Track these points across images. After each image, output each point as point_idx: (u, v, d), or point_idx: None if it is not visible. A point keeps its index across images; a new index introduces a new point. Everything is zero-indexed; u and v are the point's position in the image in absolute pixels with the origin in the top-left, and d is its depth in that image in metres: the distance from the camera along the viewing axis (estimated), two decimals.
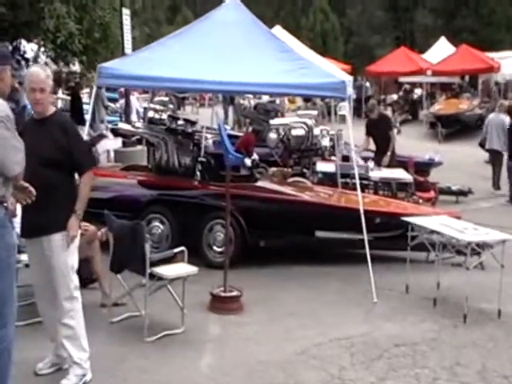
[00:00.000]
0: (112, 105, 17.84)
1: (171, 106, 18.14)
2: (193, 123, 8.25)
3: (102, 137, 10.80)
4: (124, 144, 10.18)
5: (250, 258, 7.40)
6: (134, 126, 8.70)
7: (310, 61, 7.05)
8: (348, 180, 10.02)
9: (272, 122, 10.93)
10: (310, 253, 7.78)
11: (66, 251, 4.14)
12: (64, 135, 4.15)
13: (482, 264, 7.08)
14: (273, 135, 10.30)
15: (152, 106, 14.94)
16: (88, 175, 4.23)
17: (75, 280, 4.24)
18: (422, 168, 11.88)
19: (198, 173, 7.88)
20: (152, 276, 5.18)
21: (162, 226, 7.38)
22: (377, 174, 9.74)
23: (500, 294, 6.12)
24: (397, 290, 6.82)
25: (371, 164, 10.08)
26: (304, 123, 10.26)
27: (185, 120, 8.10)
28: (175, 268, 5.36)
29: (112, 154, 10.30)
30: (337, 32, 42.27)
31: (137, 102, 16.33)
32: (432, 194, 10.49)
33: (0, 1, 8.71)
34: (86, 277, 6.14)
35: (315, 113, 11.33)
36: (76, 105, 14.75)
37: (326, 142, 10.29)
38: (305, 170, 10.14)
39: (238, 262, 7.26)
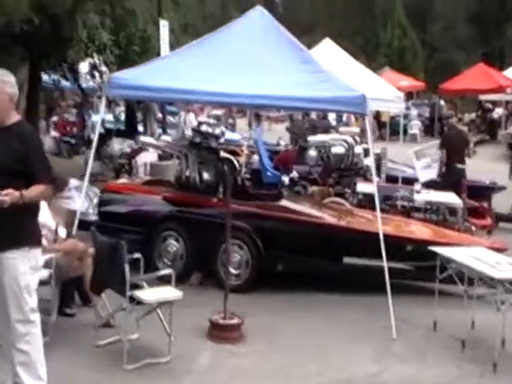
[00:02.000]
0: (171, 118, 17.93)
1: (230, 120, 18.03)
2: (217, 137, 7.94)
3: (141, 149, 10.72)
4: (160, 157, 10.05)
5: (266, 283, 6.99)
6: (157, 140, 8.52)
7: (332, 74, 6.60)
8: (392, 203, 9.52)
9: (310, 138, 10.48)
10: (336, 280, 7.27)
11: (19, 271, 3.88)
12: (23, 146, 3.90)
13: None
14: (312, 152, 9.85)
15: (206, 120, 14.91)
16: (44, 187, 3.94)
17: (31, 302, 3.97)
18: (482, 192, 11.08)
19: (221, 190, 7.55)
20: (133, 299, 4.86)
21: (176, 244, 7.09)
22: (423, 197, 9.09)
23: None
24: (423, 327, 6.22)
25: (418, 186, 9.45)
26: (344, 141, 9.75)
27: (209, 134, 7.79)
28: (158, 292, 5.02)
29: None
30: (416, 48, 41.05)
31: (193, 117, 16.30)
32: (488, 221, 9.69)
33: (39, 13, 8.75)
34: (86, 294, 5.95)
35: (357, 130, 10.74)
36: (130, 117, 14.97)
37: (367, 161, 9.72)
38: (347, 190, 9.61)
39: (253, 286, 6.92)
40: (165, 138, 8.44)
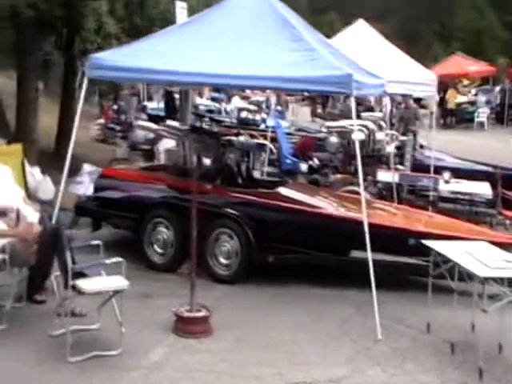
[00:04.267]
0: (217, 105, 17.71)
1: (279, 107, 17.63)
2: (219, 122, 7.63)
3: (163, 136, 10.51)
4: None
5: (261, 274, 6.62)
6: (156, 124, 8.30)
7: (322, 52, 6.10)
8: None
9: (329, 124, 9.94)
10: (337, 274, 6.79)
11: None
12: None
13: None
14: (333, 139, 9.32)
15: (246, 106, 14.64)
16: None
17: None
18: None
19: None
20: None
21: (167, 232, 6.82)
22: (447, 187, 8.45)
23: None
24: (416, 328, 5.68)
25: (447, 175, 8.78)
26: (364, 126, 9.16)
27: (211, 119, 7.48)
28: (102, 281, 4.75)
29: None
30: (495, 31, 38.78)
31: (239, 102, 16.00)
32: None
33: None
34: None
35: (380, 115, 10.08)
36: (170, 103, 14.86)
37: (390, 149, 9.11)
38: (370, 178, 9.05)
39: (242, 277, 6.58)
40: (169, 122, 8.18)
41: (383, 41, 10.51)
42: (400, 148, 9.51)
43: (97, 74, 6.44)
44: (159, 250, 6.86)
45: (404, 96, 11.91)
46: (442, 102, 25.48)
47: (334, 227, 6.52)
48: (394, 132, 9.87)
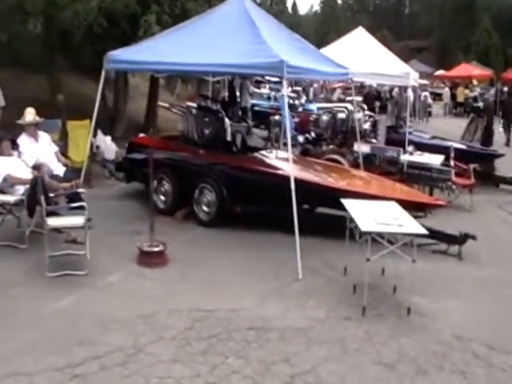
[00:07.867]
0: (273, 92, 16.42)
1: (322, 95, 16.24)
2: (218, 102, 6.76)
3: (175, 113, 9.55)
4: None
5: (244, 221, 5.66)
6: (170, 104, 7.49)
7: (269, 45, 5.04)
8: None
9: (319, 105, 8.69)
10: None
11: None
12: None
13: (459, 255, 5.03)
14: (324, 117, 8.15)
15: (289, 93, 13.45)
16: None
17: None
18: (484, 158, 8.70)
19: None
20: None
21: (167, 185, 6.10)
22: (407, 157, 7.12)
23: (413, 289, 3.91)
24: (336, 271, 4.63)
25: (410, 148, 7.43)
26: (345, 108, 7.92)
27: (213, 100, 6.61)
28: (66, 219, 4.13)
29: None
30: (498, 48, 34.69)
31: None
32: (470, 181, 7.38)
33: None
34: None
35: (360, 99, 8.70)
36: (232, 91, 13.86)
37: (366, 126, 7.82)
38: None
39: (219, 222, 5.70)
40: (188, 103, 7.34)
41: (376, 43, 9.08)
42: (375, 125, 8.16)
43: (111, 66, 5.79)
44: (162, 198, 6.15)
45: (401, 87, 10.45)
46: (454, 97, 23.14)
47: (284, 185, 5.46)
48: (370, 113, 8.50)
